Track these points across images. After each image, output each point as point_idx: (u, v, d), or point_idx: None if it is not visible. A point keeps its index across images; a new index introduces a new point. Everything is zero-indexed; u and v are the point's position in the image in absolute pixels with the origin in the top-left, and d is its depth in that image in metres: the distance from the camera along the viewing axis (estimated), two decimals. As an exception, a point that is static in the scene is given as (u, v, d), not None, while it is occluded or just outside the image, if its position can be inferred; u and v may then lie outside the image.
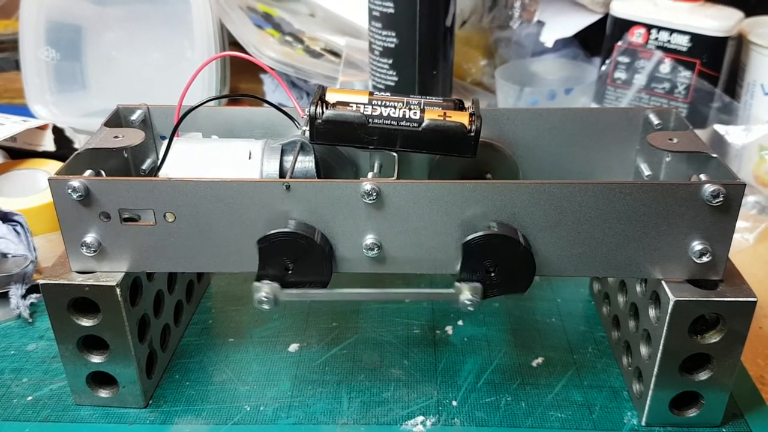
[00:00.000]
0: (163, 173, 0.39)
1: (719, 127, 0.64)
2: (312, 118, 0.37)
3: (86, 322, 0.38)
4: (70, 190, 0.35)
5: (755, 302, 0.36)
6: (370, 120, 0.37)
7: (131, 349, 0.39)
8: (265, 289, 0.35)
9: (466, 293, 0.35)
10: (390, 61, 0.60)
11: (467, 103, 0.39)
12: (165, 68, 0.76)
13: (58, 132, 0.64)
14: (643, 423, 0.39)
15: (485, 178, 0.43)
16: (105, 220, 0.36)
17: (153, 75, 0.76)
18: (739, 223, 0.57)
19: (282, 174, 0.39)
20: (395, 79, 0.61)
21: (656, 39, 0.67)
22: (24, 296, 0.49)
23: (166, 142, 0.39)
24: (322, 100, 0.37)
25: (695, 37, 0.65)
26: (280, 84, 0.41)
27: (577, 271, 0.37)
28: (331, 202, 0.36)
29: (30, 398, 0.41)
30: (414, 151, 0.37)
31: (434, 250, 0.37)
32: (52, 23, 0.75)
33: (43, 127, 0.63)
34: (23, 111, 0.73)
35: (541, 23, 0.76)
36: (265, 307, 0.36)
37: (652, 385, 0.38)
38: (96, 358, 0.39)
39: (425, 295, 0.38)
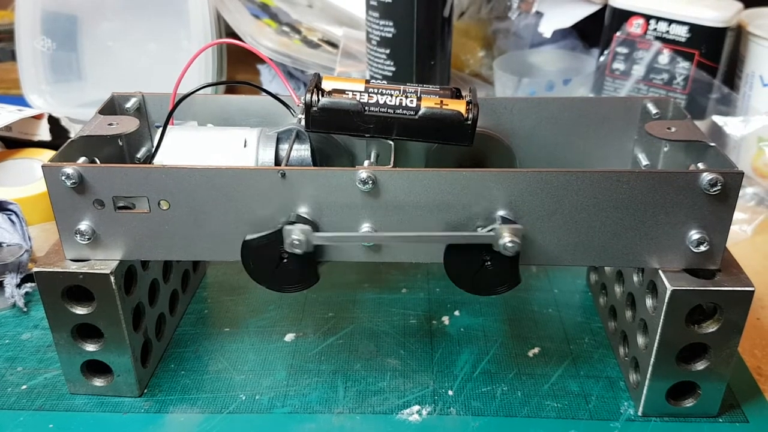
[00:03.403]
0: (157, 161, 0.39)
1: (718, 119, 0.64)
2: (308, 106, 0.36)
3: (80, 311, 0.38)
4: (63, 177, 0.35)
5: (753, 291, 0.36)
6: (367, 108, 0.36)
7: (126, 337, 0.38)
8: (296, 233, 0.35)
9: (506, 236, 0.35)
10: (387, 51, 0.60)
11: (464, 92, 0.39)
12: (161, 59, 0.76)
13: (53, 122, 0.64)
14: (639, 413, 0.39)
15: (482, 167, 0.43)
16: (99, 208, 0.36)
17: (149, 65, 0.76)
18: (737, 215, 0.57)
19: (277, 162, 0.39)
20: (392, 69, 0.61)
21: (655, 29, 0.66)
22: (19, 285, 0.48)
23: (160, 129, 0.39)
24: (318, 88, 0.37)
25: (694, 28, 0.64)
26: (276, 74, 0.41)
27: (574, 260, 0.37)
28: (326, 191, 0.35)
29: (24, 387, 0.41)
30: (410, 140, 0.37)
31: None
32: (47, 13, 0.74)
33: (38, 117, 0.63)
34: (19, 101, 0.73)
35: (539, 14, 0.76)
36: (298, 251, 0.35)
37: (648, 375, 0.38)
38: (90, 347, 0.39)
39: (463, 237, 0.36)
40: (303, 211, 0.36)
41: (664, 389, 0.38)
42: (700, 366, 0.38)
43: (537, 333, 0.46)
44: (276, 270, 0.36)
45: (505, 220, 0.35)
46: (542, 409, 0.40)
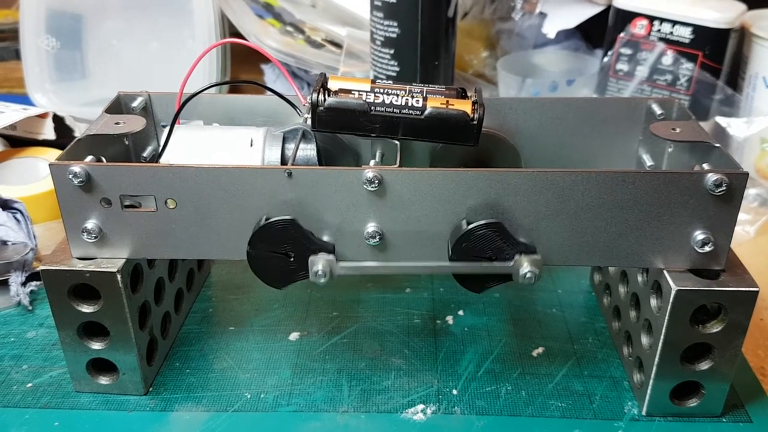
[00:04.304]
0: (164, 160, 0.39)
1: (721, 120, 0.64)
2: (314, 106, 0.36)
3: (87, 309, 0.38)
4: (71, 176, 0.35)
5: (757, 292, 0.36)
6: (373, 108, 0.36)
7: (132, 336, 0.39)
8: (321, 263, 0.35)
9: (525, 266, 0.35)
10: (391, 51, 0.60)
11: (470, 92, 0.39)
12: (165, 57, 0.76)
13: (58, 120, 0.64)
14: (643, 413, 0.39)
15: (487, 167, 0.43)
16: (106, 206, 0.36)
17: (153, 64, 0.76)
18: (740, 216, 0.57)
19: (284, 162, 0.39)
20: (396, 69, 0.61)
21: (659, 30, 0.66)
22: (24, 284, 0.48)
23: (167, 128, 0.39)
24: (324, 88, 0.37)
25: (698, 29, 0.65)
26: (281, 73, 0.41)
27: (578, 260, 0.37)
28: (332, 190, 0.36)
29: (30, 385, 0.41)
30: (416, 140, 0.37)
31: (435, 237, 0.37)
32: (52, 12, 0.74)
33: (43, 116, 0.63)
34: (23, 100, 0.73)
35: (543, 15, 0.76)
36: (322, 281, 0.35)
37: (652, 375, 0.38)
38: (96, 345, 0.39)
39: (480, 267, 0.36)
40: (308, 211, 0.36)
41: (668, 389, 0.39)
42: (704, 366, 0.38)
43: (541, 333, 0.46)
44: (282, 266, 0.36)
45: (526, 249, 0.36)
46: (546, 409, 0.40)
